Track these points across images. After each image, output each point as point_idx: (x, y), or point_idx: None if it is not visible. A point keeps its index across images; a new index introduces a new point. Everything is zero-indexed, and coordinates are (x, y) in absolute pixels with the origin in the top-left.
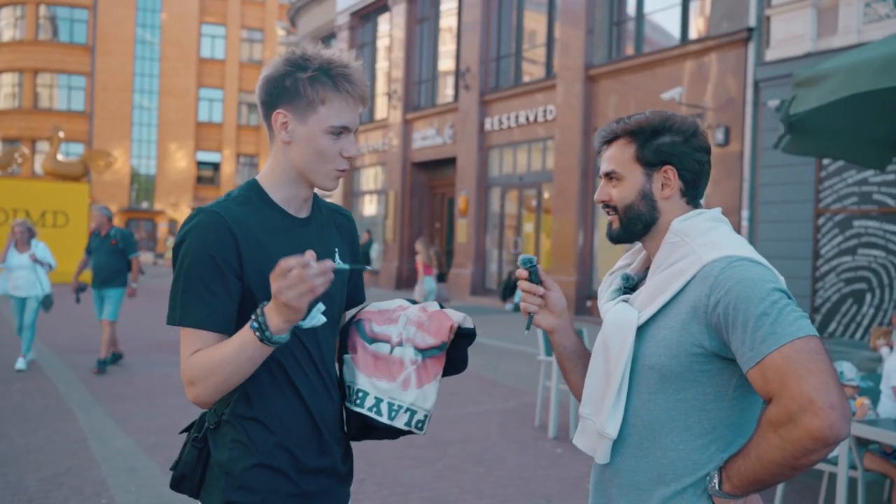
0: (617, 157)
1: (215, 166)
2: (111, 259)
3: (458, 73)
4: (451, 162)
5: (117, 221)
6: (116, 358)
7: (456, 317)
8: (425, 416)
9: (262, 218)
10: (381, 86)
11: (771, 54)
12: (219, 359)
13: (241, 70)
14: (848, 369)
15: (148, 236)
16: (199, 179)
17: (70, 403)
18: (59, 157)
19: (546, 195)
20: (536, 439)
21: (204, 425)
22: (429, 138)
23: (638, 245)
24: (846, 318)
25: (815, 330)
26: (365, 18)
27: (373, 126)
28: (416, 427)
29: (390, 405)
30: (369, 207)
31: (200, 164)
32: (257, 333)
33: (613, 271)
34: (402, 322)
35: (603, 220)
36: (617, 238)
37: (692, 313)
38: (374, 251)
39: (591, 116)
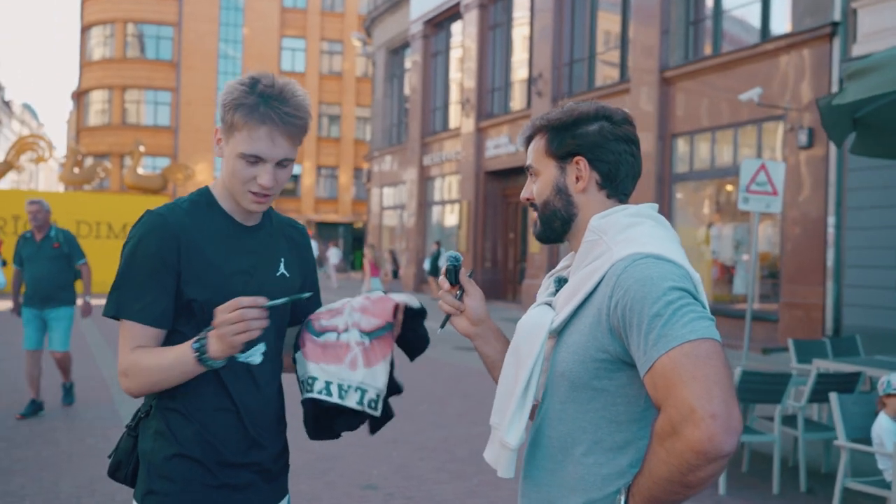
0: (533, 152)
1: (296, 178)
2: (55, 269)
3: (531, 80)
4: (524, 170)
5: None
6: (36, 408)
7: (400, 297)
8: (377, 395)
9: (208, 223)
10: (454, 94)
11: (858, 49)
12: (154, 363)
13: (321, 82)
14: None
15: None
16: (281, 192)
17: (122, 412)
18: (140, 171)
19: None
20: None
21: (137, 416)
22: (501, 146)
23: None
24: None
25: (714, 332)
26: (438, 27)
27: (446, 135)
28: (368, 406)
29: (340, 386)
30: (443, 217)
31: None
32: (196, 354)
33: (552, 273)
34: (347, 311)
35: (682, 227)
36: (539, 237)
37: (597, 316)
38: (443, 261)
39: (667, 120)
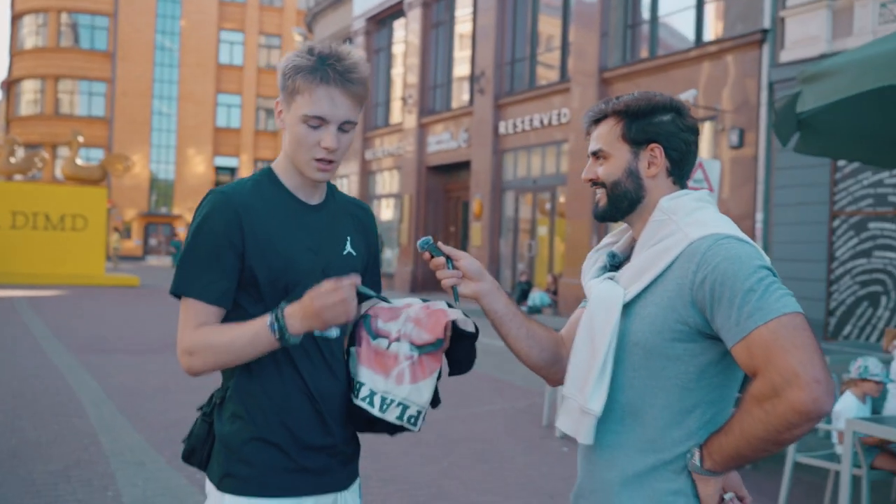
0: (604, 135)
1: (233, 171)
2: None
3: (473, 78)
4: (465, 166)
5: (136, 226)
6: None
7: (455, 315)
8: (418, 412)
9: (272, 202)
10: (396, 90)
11: (786, 55)
12: (227, 342)
13: (259, 76)
14: (873, 364)
15: (166, 240)
16: (217, 184)
17: (82, 399)
18: (79, 161)
19: (561, 199)
20: (543, 438)
21: (213, 401)
22: (444, 142)
23: (624, 224)
24: (861, 321)
25: (801, 308)
26: (381, 23)
27: (388, 130)
28: (408, 422)
29: (383, 398)
30: (385, 211)
31: (218, 168)
32: (276, 335)
33: (598, 248)
34: (402, 319)
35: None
36: (603, 215)
37: (677, 290)
38: (387, 255)
39: None
